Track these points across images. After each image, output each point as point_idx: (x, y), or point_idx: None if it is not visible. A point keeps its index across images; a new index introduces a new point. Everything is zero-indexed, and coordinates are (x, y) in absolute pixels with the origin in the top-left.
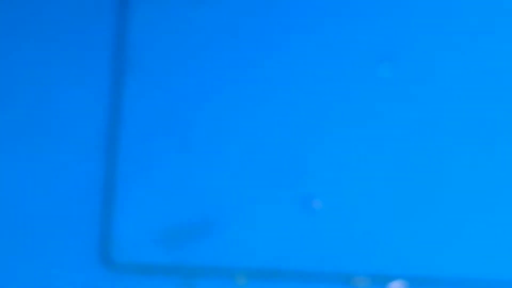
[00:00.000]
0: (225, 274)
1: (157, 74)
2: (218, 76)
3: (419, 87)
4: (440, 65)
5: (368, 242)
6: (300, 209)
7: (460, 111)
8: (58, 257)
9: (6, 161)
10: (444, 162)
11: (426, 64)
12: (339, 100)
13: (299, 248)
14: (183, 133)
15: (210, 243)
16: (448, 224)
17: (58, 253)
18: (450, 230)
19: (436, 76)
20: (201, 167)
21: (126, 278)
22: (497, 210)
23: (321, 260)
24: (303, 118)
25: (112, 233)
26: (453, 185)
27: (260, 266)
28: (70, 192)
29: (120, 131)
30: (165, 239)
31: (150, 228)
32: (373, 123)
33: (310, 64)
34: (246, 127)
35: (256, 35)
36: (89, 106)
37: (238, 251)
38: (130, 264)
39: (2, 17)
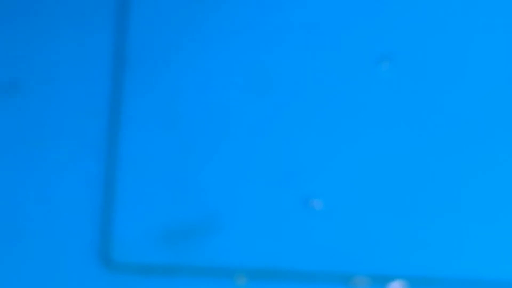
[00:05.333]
0: (225, 274)
1: (157, 73)
2: (218, 75)
3: (420, 86)
4: (439, 64)
5: (368, 242)
6: (300, 209)
7: (460, 110)
8: (58, 257)
9: (6, 160)
10: (444, 162)
11: (426, 63)
12: (339, 100)
13: (299, 248)
14: (183, 133)
15: (210, 243)
16: (448, 224)
17: (58, 253)
18: (450, 230)
19: (436, 75)
20: (201, 167)
21: (126, 278)
22: (497, 210)
23: (321, 260)
24: (303, 118)
25: (112, 233)
26: (453, 185)
27: (260, 266)
28: (70, 192)
29: (120, 131)
30: (165, 239)
31: (150, 228)
32: (373, 123)
33: (310, 63)
34: (246, 127)
35: (256, 34)
36: (89, 105)
37: (238, 251)
38: (130, 264)
39: (2, 16)
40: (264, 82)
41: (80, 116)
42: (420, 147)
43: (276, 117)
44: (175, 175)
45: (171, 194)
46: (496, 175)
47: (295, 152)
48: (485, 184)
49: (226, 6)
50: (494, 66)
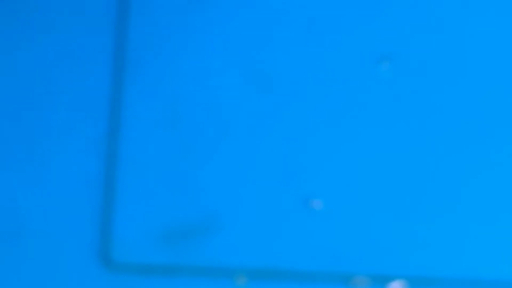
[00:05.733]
0: (225, 274)
1: (157, 74)
2: (218, 75)
3: (420, 86)
4: (440, 64)
5: (368, 242)
6: (300, 209)
7: (460, 110)
8: (58, 257)
9: (6, 160)
10: (444, 162)
11: (426, 63)
12: (339, 100)
13: (299, 248)
14: (183, 133)
15: (210, 243)
16: (448, 224)
17: (58, 253)
18: (450, 230)
19: (436, 75)
20: (201, 167)
21: (126, 278)
22: (497, 210)
23: (321, 260)
24: (303, 118)
25: (112, 233)
26: (453, 185)
27: (260, 266)
28: (70, 192)
29: (120, 131)
30: (165, 239)
31: (150, 228)
32: (373, 123)
33: (310, 63)
34: (246, 127)
35: (256, 34)
36: (89, 106)
37: (238, 251)
38: (130, 264)
39: (3, 17)
40: (264, 82)
41: (80, 116)
42: (420, 147)
43: (276, 117)
44: (175, 175)
45: (171, 194)
46: (496, 175)
47: (295, 152)
48: (485, 184)
49: (226, 5)
50: (494, 66)
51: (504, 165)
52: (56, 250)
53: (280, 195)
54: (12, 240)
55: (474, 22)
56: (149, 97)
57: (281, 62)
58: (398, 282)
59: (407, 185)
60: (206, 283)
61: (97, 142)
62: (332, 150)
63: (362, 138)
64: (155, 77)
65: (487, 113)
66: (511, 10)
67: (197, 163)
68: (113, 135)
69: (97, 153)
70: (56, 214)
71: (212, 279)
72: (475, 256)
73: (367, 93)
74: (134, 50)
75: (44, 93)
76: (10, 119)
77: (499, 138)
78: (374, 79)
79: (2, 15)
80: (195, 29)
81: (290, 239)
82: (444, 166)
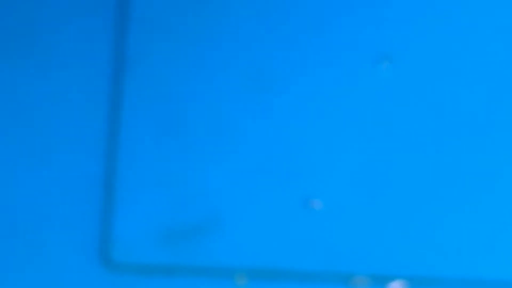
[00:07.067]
0: (225, 274)
1: (157, 74)
2: (218, 76)
3: (419, 86)
4: (440, 64)
5: (368, 242)
6: (300, 209)
7: (461, 110)
8: (58, 257)
9: (6, 161)
10: (444, 162)
11: (426, 63)
12: (338, 100)
13: (299, 248)
14: (183, 133)
15: (210, 243)
16: (448, 224)
17: (58, 253)
18: (450, 230)
19: (436, 75)
20: (201, 167)
21: (126, 278)
22: (497, 210)
23: (321, 260)
24: (303, 118)
25: (112, 233)
26: (454, 185)
27: (260, 266)
28: (70, 192)
29: (120, 131)
30: (165, 239)
31: (150, 228)
32: (373, 122)
33: (310, 63)
34: (246, 127)
35: (256, 35)
36: (89, 106)
37: (238, 251)
38: (130, 264)
39: (3, 17)
40: (264, 83)
41: (80, 116)
42: (420, 147)
43: (275, 117)
44: (175, 175)
45: (171, 194)
46: (496, 175)
47: (295, 152)
48: (485, 184)
49: (227, 7)
50: (494, 66)
51: (504, 164)
52: (56, 250)
53: (280, 195)
54: (12, 240)
55: (474, 22)
56: (149, 97)
57: (281, 62)
58: (398, 282)
59: (407, 185)
60: (206, 283)
61: (97, 142)
62: (332, 150)
63: (362, 138)
64: (155, 77)
65: (487, 113)
66: (511, 10)
67: (197, 163)
68: (113, 135)
69: (97, 153)
70: (56, 214)
71: (212, 279)
72: (475, 256)
73: (367, 93)
74: (134, 50)
75: (44, 93)
76: (10, 119)
77: (498, 138)
78: (374, 79)
79: (2, 15)
80: (196, 30)
81: (290, 239)
82: (444, 166)
